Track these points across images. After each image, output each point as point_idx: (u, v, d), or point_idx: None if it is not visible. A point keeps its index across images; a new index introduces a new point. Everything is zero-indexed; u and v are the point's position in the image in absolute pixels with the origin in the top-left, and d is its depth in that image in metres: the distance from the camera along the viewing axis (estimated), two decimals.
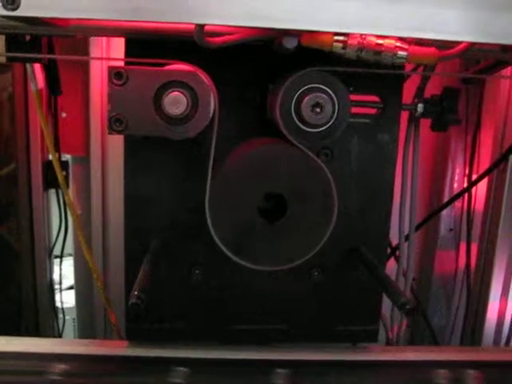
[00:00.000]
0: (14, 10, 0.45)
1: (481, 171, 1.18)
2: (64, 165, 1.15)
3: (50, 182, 1.19)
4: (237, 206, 0.61)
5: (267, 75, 0.67)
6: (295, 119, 0.59)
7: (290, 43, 0.52)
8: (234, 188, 0.61)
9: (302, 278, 0.75)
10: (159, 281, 0.71)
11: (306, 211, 0.61)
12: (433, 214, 1.07)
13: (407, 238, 0.89)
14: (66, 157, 1.18)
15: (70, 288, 1.43)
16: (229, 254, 0.61)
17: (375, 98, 0.71)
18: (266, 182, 0.60)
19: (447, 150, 1.24)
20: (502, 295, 1.10)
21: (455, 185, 1.28)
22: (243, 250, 0.61)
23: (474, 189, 1.16)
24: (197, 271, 0.74)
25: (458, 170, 1.26)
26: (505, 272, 1.11)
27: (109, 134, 0.56)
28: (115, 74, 0.55)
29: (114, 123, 0.56)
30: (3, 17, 0.45)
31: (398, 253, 0.92)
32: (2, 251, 1.24)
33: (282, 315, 0.77)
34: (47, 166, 1.19)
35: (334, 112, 0.59)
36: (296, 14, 0.46)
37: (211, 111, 0.56)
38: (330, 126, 0.59)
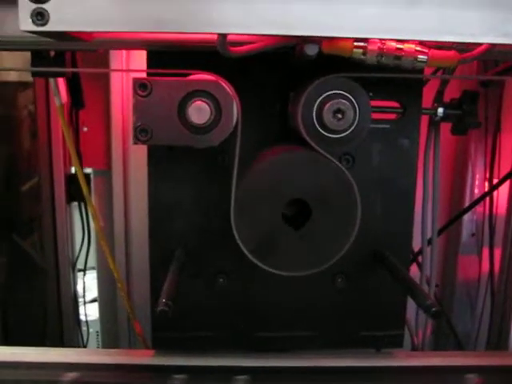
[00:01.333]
0: (43, 25, 0.46)
1: (502, 174, 1.18)
2: (86, 178, 1.17)
3: (73, 195, 1.21)
4: (261, 212, 0.61)
5: (288, 83, 0.68)
6: (317, 125, 0.59)
7: (312, 50, 0.52)
8: (258, 195, 0.61)
9: (327, 284, 0.75)
10: (185, 289, 0.71)
11: (330, 216, 0.61)
12: (455, 219, 1.07)
13: (429, 242, 0.89)
14: (88, 170, 1.20)
15: (93, 301, 1.44)
16: (254, 260, 0.62)
17: (395, 104, 0.71)
18: (289, 189, 0.61)
19: (467, 153, 1.24)
20: None
21: (476, 189, 1.28)
22: (268, 257, 0.62)
23: (495, 192, 1.16)
24: (221, 279, 0.74)
25: (478, 174, 1.26)
26: None
27: (134, 144, 0.57)
28: (140, 86, 0.56)
29: (140, 133, 0.57)
30: (33, 32, 0.46)
31: (420, 258, 0.92)
32: (26, 265, 1.26)
33: (307, 322, 0.77)
34: (70, 179, 1.21)
35: (355, 118, 0.59)
36: (316, 21, 0.46)
37: (234, 120, 0.57)
38: (351, 131, 0.60)
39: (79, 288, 1.33)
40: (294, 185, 0.61)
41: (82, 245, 1.25)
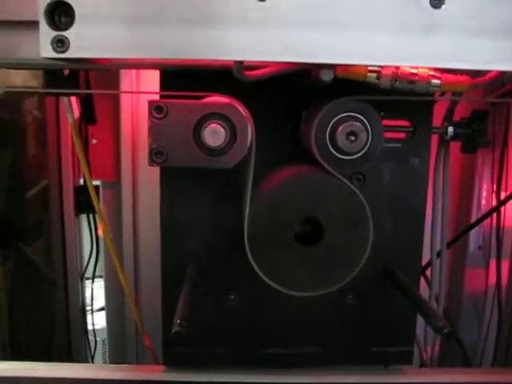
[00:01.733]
0: (63, 52, 0.47)
1: (509, 187, 1.18)
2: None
3: (82, 207, 1.22)
4: (274, 233, 0.62)
5: (300, 102, 0.68)
6: (330, 147, 0.60)
7: (327, 76, 0.53)
8: (271, 215, 0.62)
9: (337, 300, 0.75)
10: (196, 305, 0.72)
11: (342, 237, 0.62)
12: (463, 233, 1.07)
13: (438, 255, 0.89)
14: (96, 182, 1.21)
15: (100, 309, 1.45)
16: (267, 280, 0.62)
17: (406, 123, 0.72)
18: (301, 209, 0.61)
19: (474, 166, 1.25)
20: None
21: (483, 201, 1.28)
22: (281, 277, 0.62)
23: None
24: (232, 295, 0.75)
25: (485, 187, 1.26)
26: None
27: (149, 165, 0.58)
28: (155, 108, 0.57)
29: (155, 155, 0.57)
30: (53, 59, 0.47)
31: (428, 272, 0.92)
32: (34, 275, 1.27)
33: (317, 338, 0.78)
34: (78, 191, 1.22)
35: (367, 140, 0.60)
36: (331, 49, 0.47)
37: (249, 142, 0.58)
38: (364, 153, 0.60)
39: (87, 296, 1.34)
40: (307, 205, 0.62)
41: (90, 256, 1.26)
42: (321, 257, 0.62)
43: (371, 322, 0.77)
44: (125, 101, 1.08)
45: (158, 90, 0.69)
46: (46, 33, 0.47)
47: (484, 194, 1.28)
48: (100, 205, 1.18)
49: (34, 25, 0.49)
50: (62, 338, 1.31)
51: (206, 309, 0.75)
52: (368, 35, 0.47)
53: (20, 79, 1.03)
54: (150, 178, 1.11)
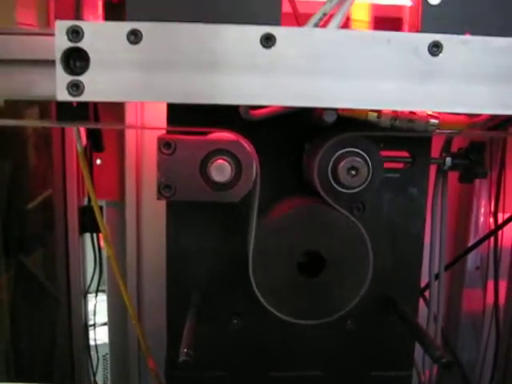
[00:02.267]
0: (78, 95, 0.49)
1: (507, 208, 1.20)
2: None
3: (86, 226, 1.24)
4: (277, 264, 0.64)
5: (303, 135, 0.71)
6: (332, 181, 0.62)
7: (330, 117, 0.55)
8: (274, 247, 0.64)
9: (337, 325, 0.77)
10: (200, 330, 0.74)
11: (343, 268, 0.64)
12: (460, 256, 1.09)
13: (436, 277, 0.91)
14: (100, 202, 1.22)
15: (103, 324, 1.46)
16: (271, 309, 0.64)
17: (405, 154, 0.74)
18: (303, 241, 0.64)
19: (472, 186, 1.27)
20: None
21: (481, 221, 1.30)
22: (284, 306, 0.64)
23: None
24: (236, 320, 0.77)
25: (483, 208, 1.28)
26: None
27: (158, 199, 0.60)
28: (164, 144, 0.59)
29: (163, 189, 0.59)
30: (68, 101, 0.49)
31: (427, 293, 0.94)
32: (36, 292, 1.28)
33: (318, 362, 0.79)
34: (83, 211, 1.24)
35: (368, 174, 0.62)
36: (337, 94, 0.49)
37: (253, 176, 0.60)
38: (364, 187, 0.62)
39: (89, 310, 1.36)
40: (309, 237, 0.64)
41: (93, 274, 1.28)
42: (322, 287, 0.64)
43: (371, 346, 0.79)
44: (129, 115, 1.11)
45: (163, 116, 0.71)
46: (62, 77, 0.49)
47: (482, 214, 1.30)
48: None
49: (49, 63, 0.51)
50: (63, 354, 1.32)
51: (209, 333, 0.77)
52: (371, 82, 0.49)
53: None
54: (153, 198, 1.13)
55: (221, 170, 0.58)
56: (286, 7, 0.58)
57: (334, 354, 0.79)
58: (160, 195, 0.60)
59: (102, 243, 1.23)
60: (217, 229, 0.74)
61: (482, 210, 1.28)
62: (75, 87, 0.49)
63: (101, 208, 1.21)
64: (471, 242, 1.28)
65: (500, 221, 1.21)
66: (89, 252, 1.29)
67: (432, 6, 0.51)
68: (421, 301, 0.97)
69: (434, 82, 0.50)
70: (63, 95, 0.49)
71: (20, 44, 0.59)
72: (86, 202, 1.26)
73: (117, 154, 1.19)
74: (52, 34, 0.49)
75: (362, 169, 0.61)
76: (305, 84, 0.49)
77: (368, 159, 0.62)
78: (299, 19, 0.67)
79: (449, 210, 1.08)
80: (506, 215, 1.19)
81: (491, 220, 1.25)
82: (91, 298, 1.37)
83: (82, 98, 0.49)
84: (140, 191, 1.19)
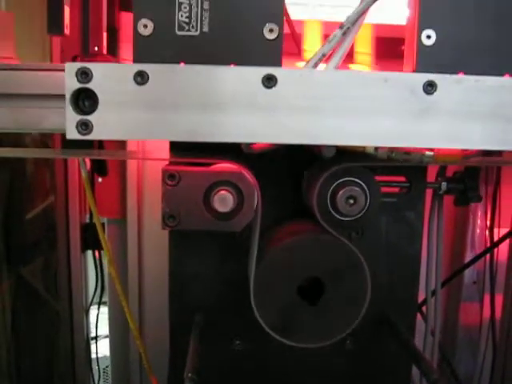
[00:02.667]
0: (87, 134, 0.51)
1: (502, 223, 1.22)
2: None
3: (88, 243, 1.26)
4: (278, 290, 0.66)
5: (302, 162, 0.73)
6: (331, 210, 0.64)
7: (329, 153, 0.57)
8: (275, 274, 0.66)
9: (337, 346, 0.79)
10: (202, 351, 0.75)
11: (342, 293, 0.66)
12: (457, 273, 1.11)
13: (433, 294, 0.93)
14: (102, 219, 1.24)
15: (104, 337, 1.47)
16: (272, 334, 0.66)
17: (402, 178, 0.76)
18: (304, 268, 0.66)
19: None
20: None
21: (477, 236, 1.32)
22: (285, 330, 0.66)
23: (495, 239, 1.20)
24: (237, 342, 0.79)
25: (479, 223, 1.31)
26: None
27: (162, 229, 0.62)
28: (169, 176, 0.61)
29: (168, 219, 0.61)
30: (77, 140, 0.51)
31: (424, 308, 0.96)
32: (39, 309, 1.29)
33: (318, 382, 0.81)
34: (85, 228, 1.26)
35: (366, 202, 0.64)
36: (335, 132, 0.51)
37: (255, 206, 0.62)
38: (362, 214, 0.64)
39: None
40: (309, 264, 0.66)
41: (95, 290, 1.29)
42: (323, 312, 0.66)
43: (369, 365, 0.81)
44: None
45: (165, 142, 0.73)
46: (72, 117, 0.51)
47: (478, 228, 1.32)
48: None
49: (58, 98, 0.53)
50: (65, 368, 1.33)
51: (211, 354, 0.78)
52: (368, 120, 0.51)
53: None
54: (155, 216, 1.15)
55: (224, 200, 0.60)
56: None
57: (333, 374, 0.81)
58: (165, 225, 0.61)
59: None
60: (218, 251, 0.76)
61: (479, 224, 1.30)
62: (84, 126, 0.51)
63: (103, 225, 1.23)
64: (468, 257, 1.31)
65: (496, 236, 1.23)
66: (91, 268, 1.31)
67: (426, 46, 0.53)
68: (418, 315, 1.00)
69: (429, 120, 0.52)
70: (73, 134, 0.51)
71: (32, 79, 0.61)
72: (88, 220, 1.28)
73: (119, 171, 1.21)
74: (60, 70, 0.52)
75: (359, 197, 0.63)
76: (305, 123, 0.51)
77: (366, 188, 0.64)
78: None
79: (445, 224, 1.10)
80: (502, 230, 1.22)
81: (487, 233, 1.27)
82: (93, 308, 1.39)
83: (91, 137, 0.51)
84: (141, 209, 1.22)
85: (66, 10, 0.60)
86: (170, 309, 0.78)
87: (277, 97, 0.51)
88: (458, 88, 0.52)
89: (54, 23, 0.59)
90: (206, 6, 0.52)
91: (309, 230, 0.67)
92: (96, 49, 0.71)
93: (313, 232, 0.66)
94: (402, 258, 0.78)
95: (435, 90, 0.51)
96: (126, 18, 0.98)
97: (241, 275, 0.71)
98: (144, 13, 0.52)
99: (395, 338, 0.74)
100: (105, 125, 0.51)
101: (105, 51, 0.73)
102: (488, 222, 1.27)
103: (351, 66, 0.79)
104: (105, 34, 0.73)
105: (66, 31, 0.62)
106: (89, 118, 0.51)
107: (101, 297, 1.29)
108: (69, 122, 0.51)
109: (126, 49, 1.03)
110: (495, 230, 1.24)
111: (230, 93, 0.51)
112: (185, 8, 0.52)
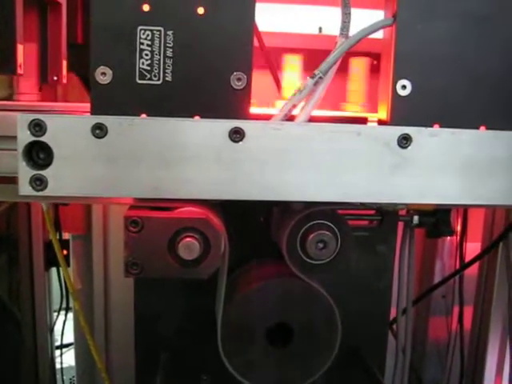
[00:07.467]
0: (41, 190, 0.48)
1: (470, 237, 1.22)
2: (65, 243, 1.18)
3: (52, 260, 1.22)
4: (245, 334, 0.64)
5: None
6: (300, 253, 0.62)
7: (298, 207, 0.55)
8: (242, 318, 0.64)
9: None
10: None
11: (312, 339, 0.64)
12: (426, 293, 1.11)
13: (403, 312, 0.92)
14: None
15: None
16: (239, 377, 0.64)
17: (373, 211, 0.75)
18: (272, 313, 0.64)
19: None
20: (497, 369, 1.13)
21: (447, 247, 1.32)
22: (252, 374, 0.64)
23: (465, 253, 1.20)
24: (205, 377, 0.77)
25: (449, 238, 1.30)
26: (500, 336, 1.14)
27: (125, 277, 0.59)
28: (131, 222, 0.57)
29: (131, 267, 0.58)
30: (31, 196, 0.48)
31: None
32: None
33: None
34: (48, 245, 1.22)
35: (337, 247, 0.62)
36: (303, 189, 0.49)
37: (221, 252, 0.59)
38: (333, 258, 0.63)
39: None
40: (277, 310, 0.64)
41: (60, 308, 1.26)
42: (291, 357, 0.65)
43: None
44: None
45: None
46: (25, 171, 0.47)
47: (447, 243, 1.32)
48: (70, 258, 1.19)
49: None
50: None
51: None
52: (339, 175, 0.49)
53: None
54: (120, 231, 1.12)
55: (189, 248, 0.57)
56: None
57: None
58: (128, 273, 0.58)
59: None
60: (185, 290, 0.73)
61: (448, 240, 1.30)
62: (39, 181, 0.48)
63: (67, 241, 1.20)
64: (437, 269, 1.31)
65: (465, 250, 1.23)
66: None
67: (401, 96, 0.51)
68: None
69: (403, 175, 0.50)
70: (26, 190, 0.48)
71: None
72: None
73: None
74: (16, 110, 0.48)
75: (330, 242, 0.61)
76: (273, 179, 0.49)
77: (337, 231, 0.62)
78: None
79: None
80: (470, 244, 1.22)
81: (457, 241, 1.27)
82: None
83: (46, 193, 0.48)
84: (107, 224, 1.18)
85: (20, 48, 0.56)
86: (136, 348, 0.75)
87: (244, 151, 0.48)
88: (433, 141, 0.50)
89: (7, 63, 0.56)
90: (169, 53, 0.49)
91: (278, 272, 0.65)
92: (55, 78, 0.67)
93: (282, 276, 0.64)
94: (372, 291, 0.77)
95: (410, 144, 0.50)
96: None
97: (207, 309, 0.69)
98: (102, 59, 0.49)
99: (364, 372, 0.73)
100: (61, 180, 0.48)
101: (65, 80, 0.69)
102: (458, 238, 1.27)
103: (342, 105, 0.76)
104: (64, 63, 0.69)
105: (20, 70, 0.58)
106: (43, 172, 0.48)
107: (66, 312, 1.26)
108: (21, 177, 0.47)
109: None
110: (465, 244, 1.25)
111: (194, 147, 0.48)
112: (146, 55, 0.49)
